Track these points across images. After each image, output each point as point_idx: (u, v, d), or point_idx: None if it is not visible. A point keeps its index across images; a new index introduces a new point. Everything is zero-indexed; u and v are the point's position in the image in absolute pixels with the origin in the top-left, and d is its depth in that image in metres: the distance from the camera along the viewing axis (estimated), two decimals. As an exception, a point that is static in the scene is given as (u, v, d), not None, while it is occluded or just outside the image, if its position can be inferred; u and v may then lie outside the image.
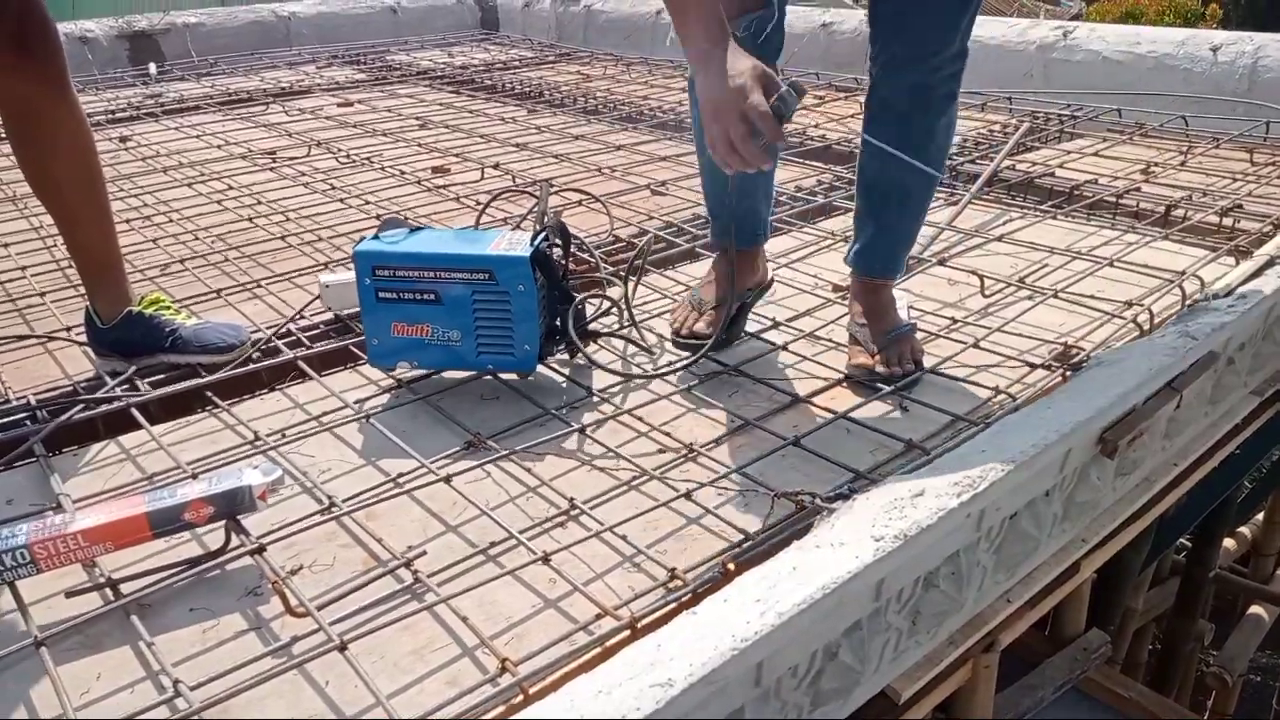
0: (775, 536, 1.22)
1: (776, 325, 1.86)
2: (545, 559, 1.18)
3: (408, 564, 1.18)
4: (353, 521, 1.29)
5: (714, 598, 0.88)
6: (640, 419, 1.54)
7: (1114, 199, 2.53)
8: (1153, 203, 2.49)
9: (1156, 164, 2.85)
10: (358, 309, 1.66)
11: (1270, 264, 1.86)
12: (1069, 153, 3.04)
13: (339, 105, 3.95)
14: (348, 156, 3.13)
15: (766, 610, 0.84)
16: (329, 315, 1.91)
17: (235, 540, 1.21)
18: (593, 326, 1.78)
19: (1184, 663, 3.09)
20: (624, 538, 1.24)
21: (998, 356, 1.71)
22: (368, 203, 2.64)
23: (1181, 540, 3.03)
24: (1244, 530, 3.49)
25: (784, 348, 1.77)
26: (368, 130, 3.50)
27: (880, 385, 1.59)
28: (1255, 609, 3.29)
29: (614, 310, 1.87)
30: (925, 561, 1.15)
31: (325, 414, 1.58)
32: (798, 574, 0.90)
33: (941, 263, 2.11)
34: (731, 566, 1.15)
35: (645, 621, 1.07)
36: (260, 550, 1.19)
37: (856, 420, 1.52)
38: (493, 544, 1.23)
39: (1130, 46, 3.58)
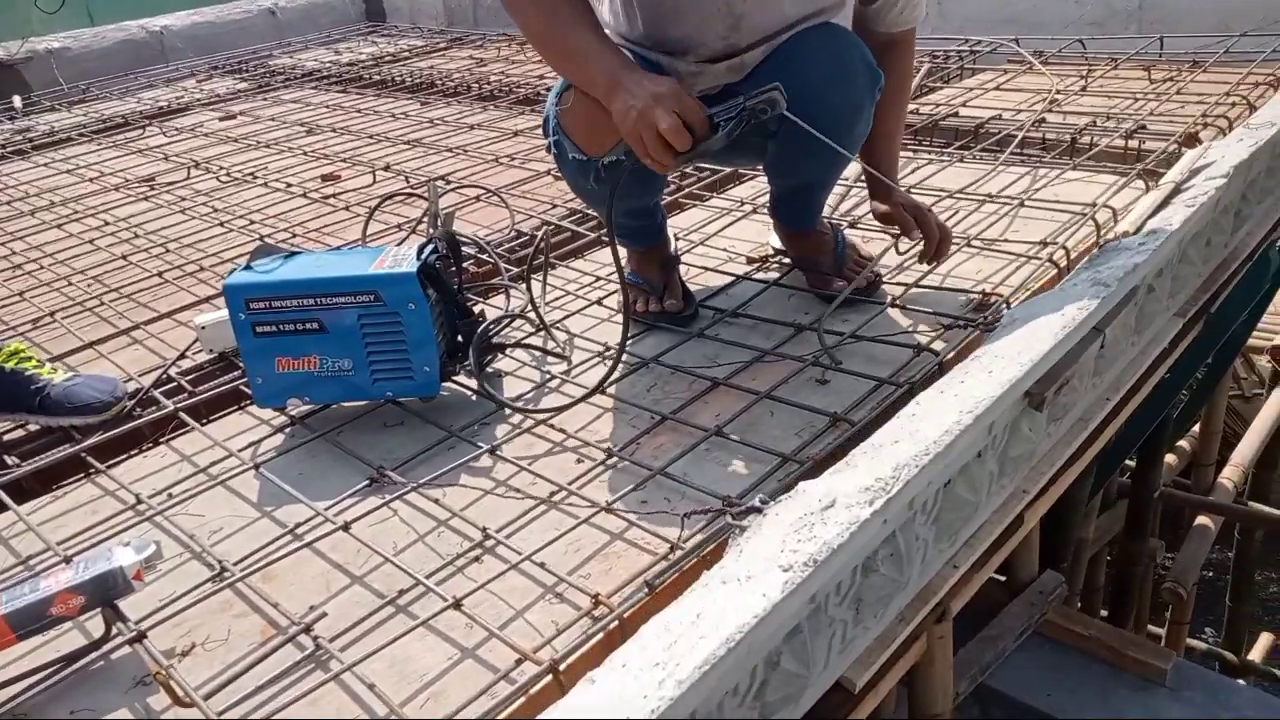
0: (699, 548, 1.14)
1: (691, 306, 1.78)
2: (457, 604, 1.08)
3: (307, 629, 1.08)
4: (247, 587, 1.18)
5: (611, 660, 0.80)
6: (554, 427, 1.45)
7: (1018, 132, 2.49)
8: (1058, 133, 2.45)
9: (1059, 92, 2.82)
10: (240, 346, 1.54)
11: (1176, 192, 1.83)
12: (971, 90, 3.00)
13: (220, 119, 3.75)
14: (229, 175, 2.95)
15: (665, 678, 0.76)
16: (213, 354, 1.77)
17: (116, 627, 1.10)
18: (498, 338, 1.68)
19: (1139, 582, 3.12)
20: (543, 565, 1.15)
21: (916, 315, 1.65)
22: (252, 223, 2.48)
23: (1125, 462, 3.04)
24: (1183, 444, 3.54)
25: (701, 333, 1.69)
26: (252, 143, 3.32)
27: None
28: (1201, 519, 3.35)
29: (520, 315, 1.77)
30: (853, 560, 1.09)
31: (214, 464, 1.46)
32: (701, 623, 0.82)
33: (853, 225, 2.05)
34: (656, 585, 1.07)
35: (569, 662, 0.99)
36: (140, 638, 1.08)
37: (779, 399, 1.45)
38: (401, 592, 1.14)
39: (1022, -27, 3.55)
